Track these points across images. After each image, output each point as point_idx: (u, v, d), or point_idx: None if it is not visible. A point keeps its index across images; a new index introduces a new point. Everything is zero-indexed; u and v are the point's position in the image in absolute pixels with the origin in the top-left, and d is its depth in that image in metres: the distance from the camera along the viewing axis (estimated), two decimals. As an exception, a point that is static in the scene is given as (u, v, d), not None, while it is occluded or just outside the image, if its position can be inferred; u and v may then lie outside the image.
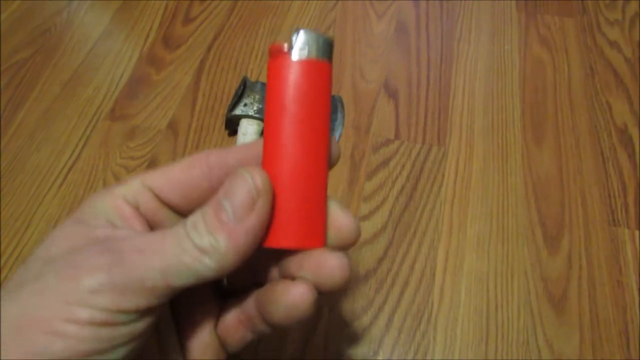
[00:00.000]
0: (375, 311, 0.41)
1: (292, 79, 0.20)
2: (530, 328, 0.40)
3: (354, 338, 0.40)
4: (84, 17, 0.65)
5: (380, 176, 0.49)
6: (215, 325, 0.23)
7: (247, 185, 0.19)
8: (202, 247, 0.18)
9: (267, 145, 0.21)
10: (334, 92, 0.56)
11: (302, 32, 0.20)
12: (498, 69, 0.58)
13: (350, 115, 0.54)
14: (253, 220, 0.19)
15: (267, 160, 0.21)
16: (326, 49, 0.20)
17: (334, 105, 0.53)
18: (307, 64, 0.20)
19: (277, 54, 0.20)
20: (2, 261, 0.44)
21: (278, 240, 0.20)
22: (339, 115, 0.53)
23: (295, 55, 0.20)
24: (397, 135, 0.52)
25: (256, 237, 0.19)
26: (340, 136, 0.52)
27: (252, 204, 0.19)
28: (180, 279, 0.18)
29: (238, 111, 0.50)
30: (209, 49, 0.61)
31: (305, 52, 0.20)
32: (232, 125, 0.51)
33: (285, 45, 0.20)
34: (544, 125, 0.53)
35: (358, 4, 0.66)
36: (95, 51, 0.61)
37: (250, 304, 0.22)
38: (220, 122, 0.53)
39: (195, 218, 0.19)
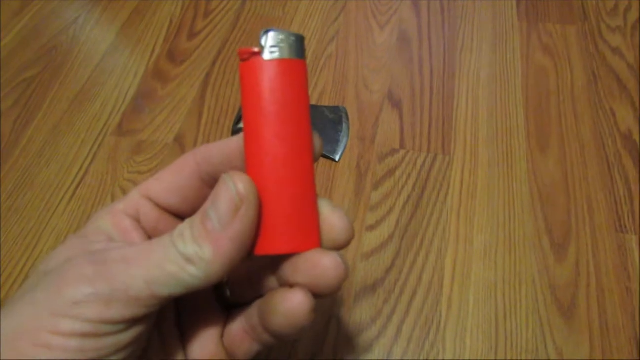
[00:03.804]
0: (383, 322, 0.41)
1: (266, 79, 0.19)
2: (539, 336, 0.40)
3: (362, 349, 0.40)
4: (89, 33, 0.66)
5: (387, 186, 0.49)
6: (222, 336, 0.23)
7: (230, 193, 0.19)
8: (187, 255, 0.18)
9: (249, 149, 0.20)
10: (338, 103, 0.56)
11: (271, 32, 0.19)
12: (501, 78, 0.58)
13: (354, 126, 0.54)
14: (237, 228, 0.18)
15: (250, 165, 0.20)
16: (298, 47, 0.20)
17: (339, 117, 0.54)
18: (279, 63, 0.19)
19: (248, 57, 0.20)
20: (14, 276, 0.45)
21: (270, 246, 0.20)
22: (344, 126, 0.53)
23: (266, 56, 0.19)
24: (402, 145, 0.53)
25: (243, 244, 0.19)
26: (345, 147, 0.52)
27: (236, 211, 0.18)
28: (166, 289, 0.18)
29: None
30: (213, 63, 0.61)
31: (277, 52, 0.19)
32: (238, 139, 0.52)
33: (256, 48, 0.19)
34: (548, 132, 0.53)
35: (360, 16, 0.66)
36: (101, 67, 0.62)
37: (253, 313, 0.22)
38: (227, 135, 0.54)
39: (182, 227, 0.19)
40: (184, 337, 0.23)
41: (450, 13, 0.66)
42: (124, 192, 0.50)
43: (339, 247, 0.21)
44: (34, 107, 0.58)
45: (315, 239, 0.21)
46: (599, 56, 0.60)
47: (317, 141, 0.22)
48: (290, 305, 0.20)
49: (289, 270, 0.21)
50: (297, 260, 0.20)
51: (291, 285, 0.21)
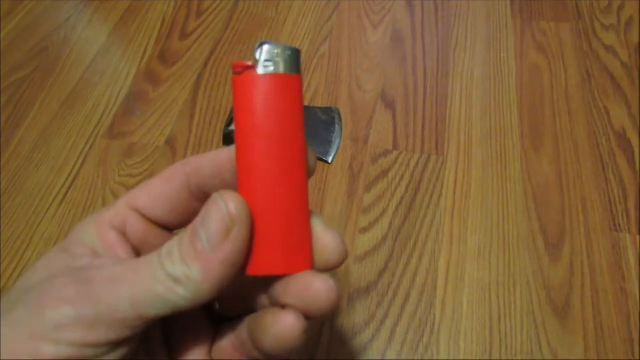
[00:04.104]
0: (377, 325, 0.41)
1: (260, 95, 0.19)
2: (534, 338, 0.40)
3: (356, 353, 0.40)
4: (81, 34, 0.66)
5: (380, 187, 0.49)
6: (210, 351, 0.23)
7: (221, 213, 0.18)
8: (175, 276, 0.18)
9: (240, 166, 0.20)
10: (330, 104, 0.56)
11: (265, 46, 0.19)
12: (495, 76, 0.58)
13: (347, 127, 0.54)
14: (228, 250, 0.18)
15: (242, 182, 0.20)
16: (293, 61, 0.19)
17: (331, 118, 0.53)
18: (273, 78, 0.19)
19: (241, 70, 0.19)
20: (3, 281, 0.44)
21: (260, 267, 0.19)
22: (337, 127, 0.53)
23: (260, 70, 0.19)
24: (395, 146, 0.52)
25: (233, 266, 0.18)
26: (338, 148, 0.52)
27: (227, 232, 0.18)
28: (153, 310, 0.18)
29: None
30: (205, 64, 0.61)
31: (271, 66, 0.19)
32: (230, 141, 0.51)
33: (250, 62, 0.19)
34: (542, 131, 0.53)
35: (353, 15, 0.66)
36: (93, 68, 0.61)
37: (243, 330, 0.22)
38: (219, 137, 0.53)
39: (171, 246, 0.18)
40: (171, 353, 0.23)
41: (444, 12, 0.66)
42: (115, 195, 0.49)
43: (331, 268, 0.21)
44: (25, 109, 0.57)
45: (307, 260, 0.20)
46: (593, 54, 0.60)
47: (312, 158, 0.21)
48: (281, 328, 0.19)
49: (280, 290, 0.20)
50: (288, 282, 0.20)
51: (282, 305, 0.20)
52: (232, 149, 0.21)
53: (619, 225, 0.46)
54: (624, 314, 0.41)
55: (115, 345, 0.18)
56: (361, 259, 0.44)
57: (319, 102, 0.56)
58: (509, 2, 0.66)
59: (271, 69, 0.19)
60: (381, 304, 0.42)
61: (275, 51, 0.19)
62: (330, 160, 0.51)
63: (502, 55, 0.60)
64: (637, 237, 0.45)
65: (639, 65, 0.58)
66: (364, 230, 0.46)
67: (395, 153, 0.52)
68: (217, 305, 0.24)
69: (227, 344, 0.22)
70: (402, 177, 0.50)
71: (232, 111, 0.52)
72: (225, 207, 0.18)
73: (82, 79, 0.60)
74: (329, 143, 0.51)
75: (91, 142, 0.54)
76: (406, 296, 0.42)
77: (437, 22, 0.65)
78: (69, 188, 0.50)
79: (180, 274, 0.18)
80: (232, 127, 0.50)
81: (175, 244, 0.18)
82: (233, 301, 0.24)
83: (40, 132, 0.55)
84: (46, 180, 0.51)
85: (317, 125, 0.52)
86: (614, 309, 0.41)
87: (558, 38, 0.62)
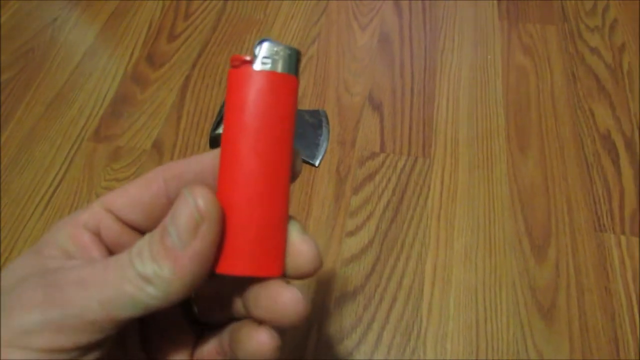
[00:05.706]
0: (364, 328, 0.41)
1: (253, 91, 0.18)
2: (520, 339, 0.40)
3: (343, 356, 0.40)
4: (68, 35, 0.65)
5: (367, 190, 0.49)
6: (192, 356, 0.23)
7: (189, 209, 0.18)
8: (145, 275, 0.17)
9: (223, 162, 0.19)
10: (318, 107, 0.56)
11: (265, 43, 0.19)
12: (481, 79, 0.59)
13: (335, 130, 0.54)
14: (198, 246, 0.17)
15: (223, 177, 0.19)
16: (292, 62, 0.19)
17: (319, 121, 0.53)
18: (270, 76, 0.19)
19: (238, 64, 0.19)
20: (-13, 288, 0.44)
21: (230, 266, 0.19)
22: (324, 130, 0.53)
23: (257, 66, 0.19)
24: (382, 148, 0.52)
25: (203, 263, 0.18)
26: (325, 151, 0.52)
27: (196, 228, 0.18)
28: (124, 311, 0.17)
29: (222, 129, 0.50)
30: (193, 66, 0.61)
31: (269, 63, 0.19)
32: (216, 144, 0.51)
33: (248, 56, 0.19)
34: (528, 133, 0.53)
35: (342, 17, 0.66)
36: (79, 70, 0.61)
37: (225, 337, 0.22)
38: (206, 140, 0.53)
39: (140, 244, 0.18)
40: (151, 358, 0.23)
41: (432, 13, 0.66)
42: (101, 199, 0.49)
43: (304, 276, 0.20)
44: (9, 111, 0.57)
45: (278, 265, 0.20)
46: (578, 56, 0.60)
47: (298, 162, 0.21)
48: (255, 344, 0.19)
49: (251, 300, 0.20)
50: (258, 291, 0.20)
51: (257, 318, 0.20)
52: (215, 153, 0.21)
53: (604, 225, 0.47)
54: (609, 314, 0.41)
55: (85, 349, 0.17)
56: (348, 262, 0.44)
57: (307, 105, 0.56)
58: (495, 3, 0.67)
59: (268, 66, 0.19)
60: (368, 307, 0.42)
61: (275, 49, 0.19)
62: (317, 163, 0.51)
63: (489, 57, 0.61)
64: (622, 237, 0.46)
65: (623, 67, 0.59)
66: (351, 233, 0.46)
67: (382, 156, 0.52)
68: (195, 309, 0.24)
69: (209, 350, 0.22)
70: (389, 180, 0.50)
71: (219, 114, 0.51)
72: (194, 202, 0.18)
73: (68, 81, 0.60)
74: (316, 146, 0.51)
75: (77, 145, 0.53)
76: (393, 299, 0.42)
77: (424, 24, 0.65)
78: (54, 192, 0.50)
79: (151, 272, 0.17)
80: (219, 130, 0.50)
81: (145, 242, 0.18)
82: (212, 308, 0.23)
83: (25, 134, 0.54)
84: (31, 184, 0.50)
85: (304, 128, 0.52)
86: (599, 309, 0.42)
87: (544, 40, 0.62)
